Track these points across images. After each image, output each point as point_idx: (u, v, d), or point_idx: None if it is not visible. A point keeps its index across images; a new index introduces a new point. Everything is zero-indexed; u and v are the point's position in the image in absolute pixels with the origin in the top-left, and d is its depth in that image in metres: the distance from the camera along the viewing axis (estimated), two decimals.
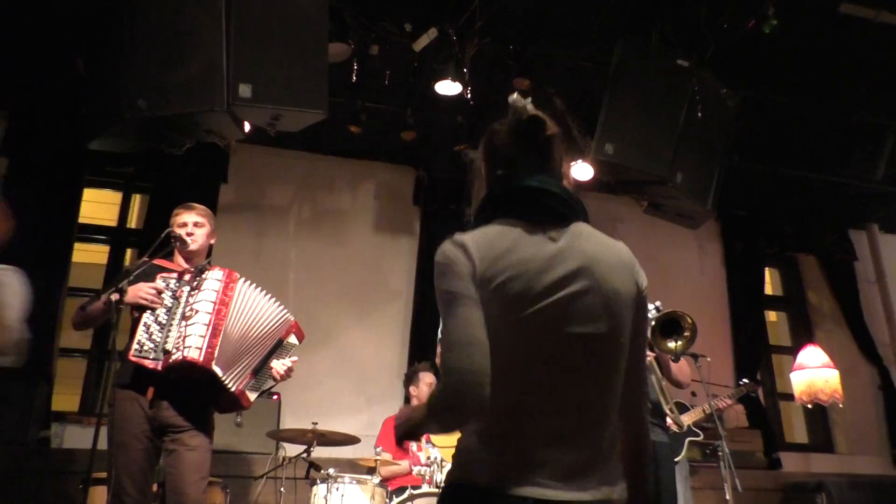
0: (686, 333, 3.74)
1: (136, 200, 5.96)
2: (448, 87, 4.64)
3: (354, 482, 4.00)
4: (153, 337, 3.02)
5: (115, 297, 2.91)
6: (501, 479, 1.38)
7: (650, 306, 3.05)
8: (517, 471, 1.38)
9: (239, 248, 5.51)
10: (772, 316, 7.41)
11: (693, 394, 4.50)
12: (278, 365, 3.24)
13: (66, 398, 5.32)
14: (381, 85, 4.88)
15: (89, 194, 5.62)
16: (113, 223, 5.78)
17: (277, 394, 5.07)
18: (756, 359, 6.58)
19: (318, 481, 4.03)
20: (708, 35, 4.47)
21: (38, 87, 5.05)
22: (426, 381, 4.79)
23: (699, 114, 4.54)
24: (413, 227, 6.17)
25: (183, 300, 3.10)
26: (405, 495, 3.84)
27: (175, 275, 3.18)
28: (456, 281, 1.44)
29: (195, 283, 3.14)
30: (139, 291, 3.05)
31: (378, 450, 4.35)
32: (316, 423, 4.14)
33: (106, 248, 5.69)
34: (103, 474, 3.19)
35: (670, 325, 3.79)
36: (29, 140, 5.21)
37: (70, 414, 4.99)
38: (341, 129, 5.15)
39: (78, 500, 2.88)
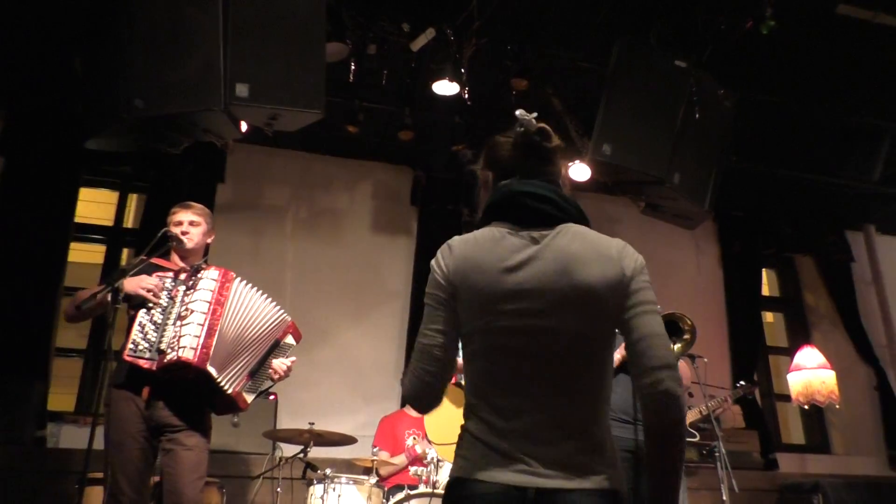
0: (686, 336, 3.72)
1: (133, 200, 5.95)
2: (446, 88, 4.64)
3: (351, 482, 3.99)
4: (148, 336, 3.01)
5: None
6: (471, 468, 1.53)
7: None
8: (485, 459, 1.51)
9: (236, 247, 5.50)
10: (769, 317, 7.42)
11: (690, 394, 4.50)
12: (276, 365, 3.24)
13: (62, 398, 5.31)
14: (378, 85, 4.88)
15: (86, 194, 5.61)
16: (109, 223, 5.78)
17: (274, 394, 5.07)
18: (753, 359, 6.58)
19: (315, 481, 4.02)
20: (706, 36, 4.48)
21: (34, 87, 5.04)
22: None
23: (697, 114, 4.54)
24: (410, 227, 6.17)
25: (178, 300, 3.09)
26: (402, 495, 3.84)
27: (171, 274, 3.18)
28: (431, 286, 1.65)
29: (191, 282, 3.13)
30: (141, 282, 3.04)
31: (375, 450, 4.35)
32: (313, 424, 4.14)
33: (102, 248, 5.68)
34: (99, 474, 3.19)
35: (669, 326, 3.76)
36: (25, 139, 5.20)
37: (66, 413, 4.98)
38: (339, 128, 5.14)
39: (74, 499, 2.87)
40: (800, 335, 7.00)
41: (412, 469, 4.20)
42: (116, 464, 2.91)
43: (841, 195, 6.46)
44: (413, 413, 4.79)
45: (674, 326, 3.74)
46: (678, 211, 5.02)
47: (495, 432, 1.52)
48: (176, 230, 3.25)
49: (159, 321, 3.04)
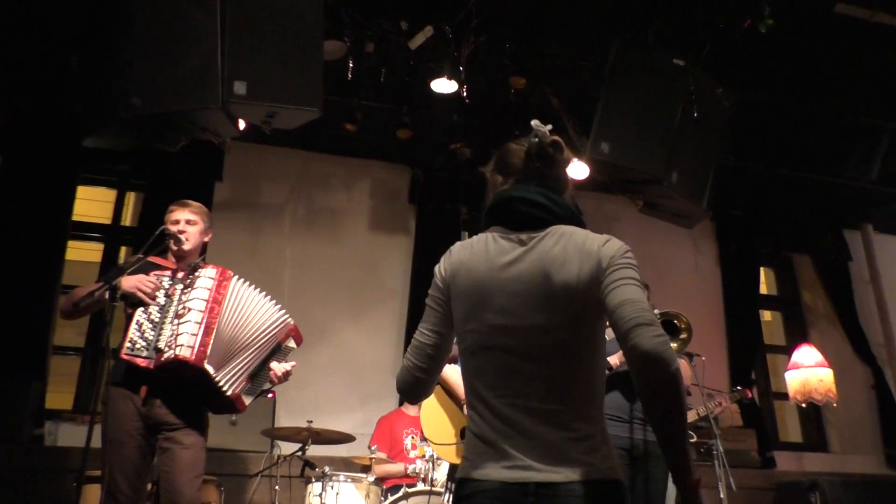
0: (682, 335, 3.72)
1: (131, 198, 5.94)
2: (444, 86, 4.63)
3: (349, 480, 4.00)
4: (145, 335, 3.00)
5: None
6: (470, 468, 1.60)
7: None
8: (482, 458, 1.58)
9: (234, 246, 5.50)
10: (766, 315, 7.43)
11: (688, 393, 4.50)
12: (277, 367, 3.23)
13: (59, 396, 5.31)
14: (376, 83, 4.87)
15: (83, 192, 5.60)
16: (107, 221, 5.76)
17: (273, 392, 5.03)
18: (751, 358, 6.59)
19: (313, 479, 4.03)
20: (704, 35, 4.48)
21: (32, 85, 5.02)
22: None
23: (695, 113, 4.55)
24: (408, 225, 6.16)
25: (176, 298, 3.08)
26: (400, 493, 3.84)
27: (168, 273, 3.17)
28: (431, 288, 1.77)
29: (188, 281, 3.12)
30: (139, 282, 3.03)
31: (373, 448, 4.35)
32: (311, 422, 4.14)
33: (100, 246, 5.67)
34: (97, 472, 3.18)
35: (665, 325, 3.77)
36: (23, 137, 5.18)
37: (64, 412, 4.97)
38: (337, 126, 5.14)
39: (72, 498, 2.87)
40: (797, 334, 7.00)
41: (410, 467, 4.20)
42: (114, 462, 2.90)
43: (839, 194, 6.47)
44: (411, 412, 4.80)
45: (670, 325, 3.73)
46: (676, 210, 5.02)
47: (489, 429, 1.59)
48: (173, 229, 3.24)
49: (157, 319, 3.04)
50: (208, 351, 2.98)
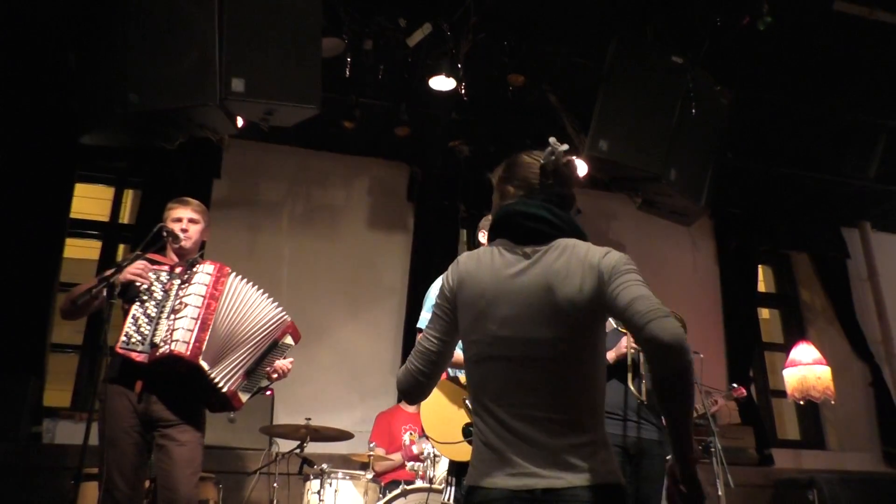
0: None
1: (129, 196, 5.93)
2: (442, 83, 4.63)
3: (348, 478, 4.00)
4: (141, 329, 3.00)
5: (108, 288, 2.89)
6: (477, 476, 1.66)
7: None
8: (489, 466, 1.64)
9: (232, 243, 5.49)
10: (764, 313, 7.44)
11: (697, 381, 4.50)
12: (274, 365, 3.23)
13: (57, 394, 5.31)
14: (374, 80, 4.86)
15: (81, 189, 5.59)
16: (105, 218, 5.76)
17: (271, 389, 5.01)
18: (748, 356, 6.60)
19: (312, 477, 4.03)
20: (702, 32, 4.48)
21: (29, 82, 5.02)
22: None
23: (693, 111, 4.55)
24: (407, 223, 6.16)
25: (173, 293, 3.08)
26: (398, 490, 3.84)
27: (166, 268, 3.17)
28: (438, 296, 1.84)
29: (186, 276, 3.12)
30: (134, 267, 3.02)
31: (371, 445, 4.35)
32: (309, 419, 4.14)
33: (98, 244, 5.66)
34: (95, 470, 3.17)
35: None
36: (20, 135, 5.17)
37: (62, 409, 4.97)
38: (335, 124, 5.13)
39: (70, 495, 2.85)
40: (795, 331, 7.02)
41: (409, 464, 4.20)
42: (110, 459, 2.90)
43: (837, 192, 6.48)
44: (409, 409, 4.80)
45: None
46: (674, 207, 5.02)
47: (495, 438, 1.64)
48: (175, 227, 3.24)
49: (153, 314, 3.03)
50: (204, 346, 2.97)
